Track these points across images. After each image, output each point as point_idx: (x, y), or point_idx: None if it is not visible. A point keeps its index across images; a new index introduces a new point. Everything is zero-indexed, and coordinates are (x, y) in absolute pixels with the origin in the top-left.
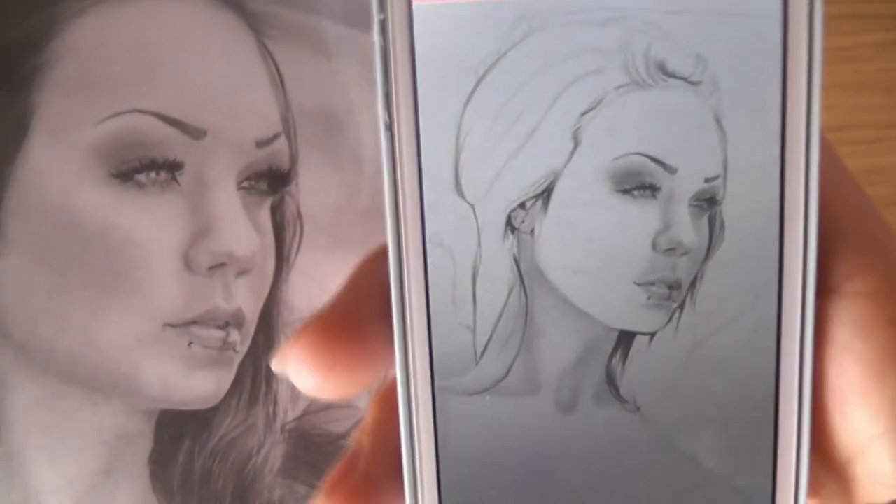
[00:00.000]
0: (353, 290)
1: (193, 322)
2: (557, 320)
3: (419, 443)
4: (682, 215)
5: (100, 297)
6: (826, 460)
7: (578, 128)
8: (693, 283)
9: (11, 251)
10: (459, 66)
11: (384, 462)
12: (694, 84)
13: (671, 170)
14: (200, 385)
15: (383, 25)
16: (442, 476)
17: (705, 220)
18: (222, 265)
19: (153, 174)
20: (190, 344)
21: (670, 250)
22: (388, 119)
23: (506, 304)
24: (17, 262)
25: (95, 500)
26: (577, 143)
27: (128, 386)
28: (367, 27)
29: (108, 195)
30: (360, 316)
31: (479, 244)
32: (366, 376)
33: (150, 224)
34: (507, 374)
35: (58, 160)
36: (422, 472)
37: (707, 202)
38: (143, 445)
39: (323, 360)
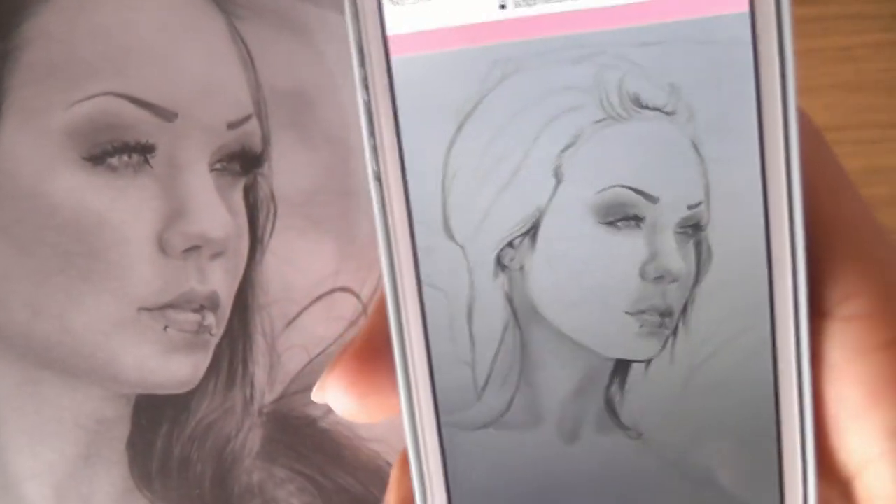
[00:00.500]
0: (378, 320)
1: (169, 306)
2: (554, 353)
3: (429, 477)
4: (668, 243)
5: (75, 282)
6: (830, 479)
7: (559, 165)
8: (684, 310)
9: None
10: (440, 112)
11: None
12: (669, 114)
13: (653, 199)
14: (177, 369)
15: (365, 81)
16: None
17: (691, 246)
18: (196, 248)
19: (125, 157)
20: (166, 328)
21: (659, 278)
22: (375, 168)
23: (501, 340)
24: None
25: (74, 485)
26: (559, 180)
27: (105, 371)
28: (337, 7)
29: (81, 179)
30: (384, 345)
31: (472, 284)
32: (397, 400)
33: (123, 208)
34: (508, 408)
35: (30, 145)
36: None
37: (692, 228)
38: (122, 430)
39: (357, 388)
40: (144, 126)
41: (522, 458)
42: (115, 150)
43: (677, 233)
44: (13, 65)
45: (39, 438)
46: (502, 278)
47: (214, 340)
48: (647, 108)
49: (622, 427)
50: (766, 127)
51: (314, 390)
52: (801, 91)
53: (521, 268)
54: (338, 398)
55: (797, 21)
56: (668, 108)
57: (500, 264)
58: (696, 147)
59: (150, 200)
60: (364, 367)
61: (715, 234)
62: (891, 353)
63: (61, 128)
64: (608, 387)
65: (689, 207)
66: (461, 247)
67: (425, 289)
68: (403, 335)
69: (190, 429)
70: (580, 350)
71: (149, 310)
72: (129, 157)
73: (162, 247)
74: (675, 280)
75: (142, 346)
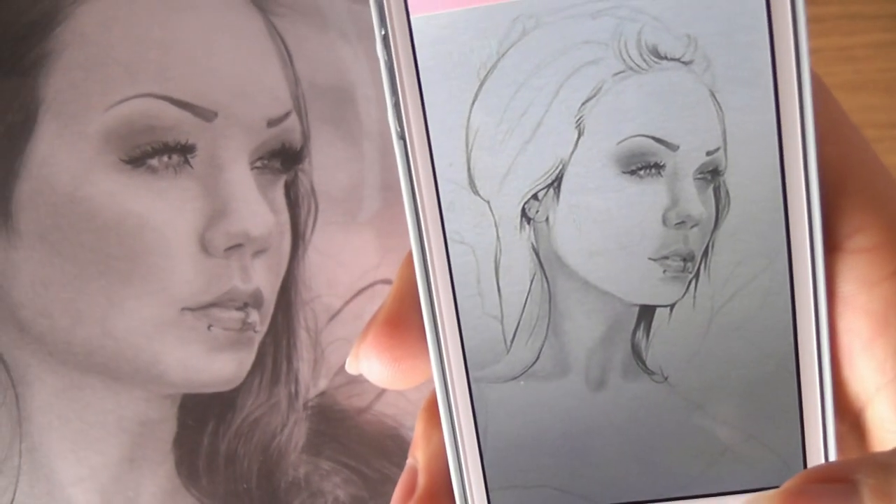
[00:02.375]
0: (404, 285)
1: (212, 304)
2: (580, 302)
3: (461, 433)
4: (689, 189)
5: (116, 286)
6: (842, 413)
7: (581, 117)
8: (706, 253)
9: (25, 244)
10: (462, 70)
11: (440, 472)
12: (687, 63)
13: (673, 147)
14: (222, 367)
15: (385, 40)
16: (486, 462)
17: (711, 191)
18: (239, 246)
19: (165, 158)
20: (210, 327)
21: (680, 224)
22: (399, 128)
23: (529, 291)
24: (30, 255)
25: (121, 489)
26: (580, 132)
27: (149, 373)
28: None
29: (121, 182)
30: (413, 309)
31: (498, 237)
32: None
33: (164, 209)
34: (537, 359)
35: (68, 149)
36: (466, 461)
37: (711, 174)
38: (167, 431)
39: (390, 353)
40: (184, 126)
41: (551, 408)
42: (154, 152)
43: (697, 179)
44: (49, 69)
45: (84, 444)
46: (528, 230)
47: (258, 337)
48: (665, 58)
49: (648, 371)
50: (780, 74)
51: (348, 360)
52: None
53: (546, 219)
54: (372, 366)
55: None
56: (686, 58)
57: (525, 217)
58: (713, 95)
59: (191, 201)
60: (395, 332)
61: (733, 179)
62: None
63: (99, 131)
64: (634, 333)
65: (708, 154)
66: (486, 201)
67: (452, 245)
68: (432, 292)
69: (236, 425)
70: (606, 298)
71: (192, 309)
72: (170, 157)
73: (204, 246)
74: (695, 225)
75: (186, 346)
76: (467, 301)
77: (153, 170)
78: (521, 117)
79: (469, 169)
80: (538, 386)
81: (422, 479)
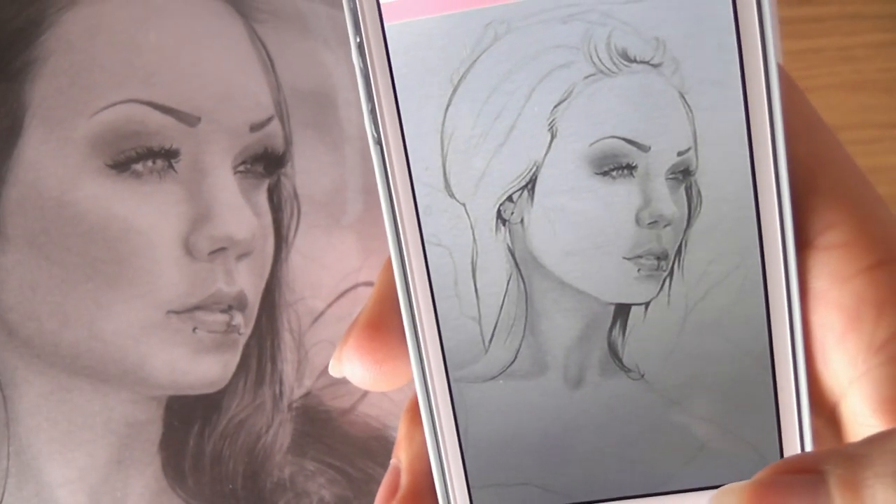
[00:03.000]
0: (384, 288)
1: (197, 307)
2: (556, 301)
3: (442, 434)
4: (660, 189)
5: (103, 289)
6: (818, 408)
7: (553, 120)
8: (679, 252)
9: (12, 248)
10: (436, 75)
11: (423, 472)
12: (656, 66)
13: (644, 148)
14: (207, 369)
15: (361, 47)
16: (467, 461)
17: (682, 191)
18: (223, 249)
19: (150, 163)
20: (195, 329)
21: (653, 223)
22: (375, 134)
23: (506, 292)
24: (18, 258)
25: (108, 489)
26: (553, 135)
27: (135, 375)
28: None
29: (106, 186)
30: (393, 312)
31: (474, 239)
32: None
33: (149, 213)
34: (515, 358)
35: (54, 154)
36: (448, 460)
37: (682, 174)
38: (154, 432)
39: (372, 356)
40: (168, 131)
41: (530, 406)
42: (139, 157)
43: (668, 179)
44: (35, 75)
45: (72, 445)
46: (504, 232)
47: (243, 339)
48: (634, 61)
49: (625, 369)
50: (748, 74)
51: (330, 364)
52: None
53: (522, 221)
54: (354, 369)
55: (796, 21)
56: (655, 61)
57: (500, 218)
58: (682, 96)
59: (175, 205)
60: (376, 335)
61: (704, 179)
62: (868, 277)
63: (85, 136)
64: (610, 331)
65: (679, 154)
66: (462, 204)
67: (429, 247)
68: (410, 295)
69: (221, 427)
70: (581, 297)
71: (177, 312)
72: (154, 162)
73: (188, 250)
74: (668, 224)
75: (172, 348)
76: (445, 303)
77: (138, 174)
78: (494, 121)
79: (445, 172)
80: (517, 385)
81: (405, 479)
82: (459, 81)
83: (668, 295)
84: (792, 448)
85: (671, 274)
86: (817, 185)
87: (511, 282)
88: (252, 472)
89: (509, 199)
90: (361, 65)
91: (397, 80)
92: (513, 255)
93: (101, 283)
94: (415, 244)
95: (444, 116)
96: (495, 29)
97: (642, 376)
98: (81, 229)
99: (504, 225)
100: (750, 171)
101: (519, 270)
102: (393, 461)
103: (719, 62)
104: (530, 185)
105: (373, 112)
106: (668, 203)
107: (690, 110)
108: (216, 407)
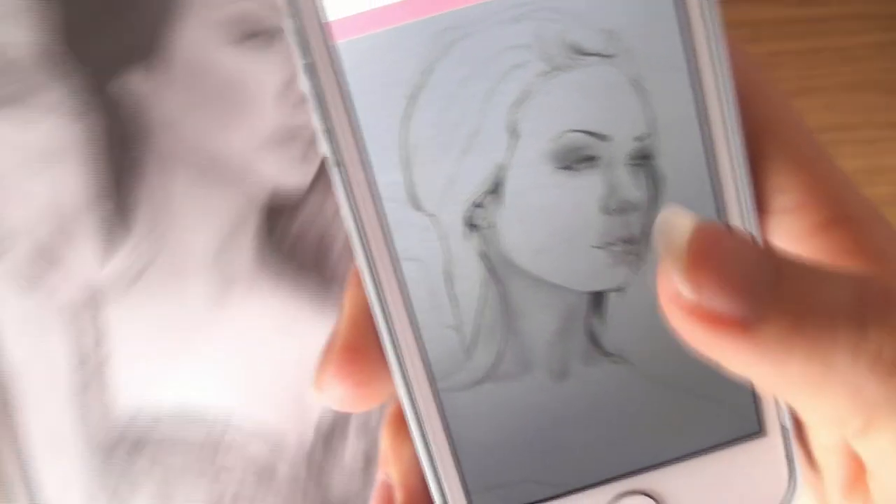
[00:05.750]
0: (355, 309)
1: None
2: (533, 298)
3: (434, 445)
4: (623, 176)
5: (231, 114)
6: None
7: (513, 121)
8: (647, 235)
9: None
10: (392, 89)
11: (417, 486)
12: (609, 57)
13: (604, 138)
14: (293, 178)
15: (310, 69)
16: (463, 468)
17: (644, 175)
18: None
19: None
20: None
21: (620, 210)
22: (333, 156)
23: (482, 297)
24: (174, 82)
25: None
26: (515, 135)
27: (245, 179)
28: None
29: (234, 55)
30: (369, 332)
31: (446, 249)
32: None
33: (258, 70)
34: (499, 361)
35: (203, 35)
36: (443, 471)
37: (643, 159)
38: (253, 225)
39: (353, 379)
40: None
41: (520, 405)
42: (253, 34)
43: (630, 165)
44: None
45: (206, 220)
46: (475, 238)
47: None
48: (587, 54)
49: (607, 355)
50: (698, 59)
51: (311, 392)
52: (801, 91)
53: (491, 224)
54: (336, 395)
55: (797, 21)
56: (608, 52)
57: (470, 225)
58: (637, 85)
59: (276, 65)
60: (356, 357)
61: (665, 162)
62: (822, 235)
63: (224, 19)
64: (588, 319)
65: (637, 140)
66: (431, 215)
67: (402, 262)
68: (386, 312)
69: (297, 225)
70: (557, 290)
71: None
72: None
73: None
74: (634, 209)
75: (277, 161)
76: (423, 315)
77: (253, 47)
78: (455, 128)
79: (410, 186)
80: (504, 386)
81: (399, 496)
82: (416, 93)
83: (643, 277)
84: (768, 404)
85: (642, 257)
86: (771, 152)
87: (487, 286)
88: (317, 259)
89: (477, 204)
90: (312, 86)
91: (353, 98)
92: (486, 259)
93: (231, 109)
94: (387, 262)
95: (405, 129)
96: (447, 36)
97: (625, 360)
98: (219, 80)
99: (474, 231)
100: (704, 151)
101: (494, 273)
102: (381, 477)
103: (668, 48)
104: (497, 187)
105: (328, 133)
106: (632, 189)
107: (646, 97)
108: (297, 208)
